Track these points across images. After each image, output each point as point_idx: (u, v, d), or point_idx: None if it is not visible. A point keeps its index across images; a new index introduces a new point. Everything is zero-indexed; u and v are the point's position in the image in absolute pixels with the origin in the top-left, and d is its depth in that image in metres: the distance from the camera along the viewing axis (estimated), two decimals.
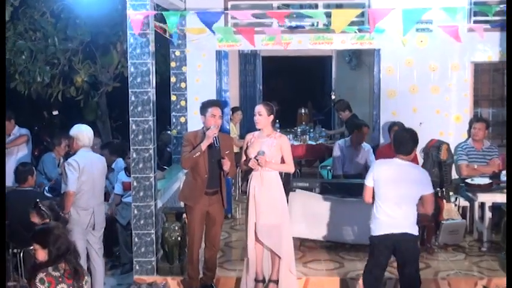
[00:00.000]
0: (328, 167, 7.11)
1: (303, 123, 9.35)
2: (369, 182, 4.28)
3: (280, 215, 4.64)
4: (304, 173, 8.96)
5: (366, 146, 6.54)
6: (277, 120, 9.00)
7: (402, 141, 4.24)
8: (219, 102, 4.83)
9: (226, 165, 4.59)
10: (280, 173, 4.81)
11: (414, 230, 4.17)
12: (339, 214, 5.49)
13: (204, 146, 4.54)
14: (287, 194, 5.21)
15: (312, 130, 8.94)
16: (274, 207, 4.62)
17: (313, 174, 8.84)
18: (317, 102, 12.83)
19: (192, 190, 4.66)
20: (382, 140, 6.71)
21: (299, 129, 8.87)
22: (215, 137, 4.56)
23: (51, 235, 3.21)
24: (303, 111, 9.83)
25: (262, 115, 4.65)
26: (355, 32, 6.26)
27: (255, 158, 4.57)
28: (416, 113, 6.60)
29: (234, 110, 8.16)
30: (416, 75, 6.63)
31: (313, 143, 8.29)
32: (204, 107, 4.66)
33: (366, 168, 6.50)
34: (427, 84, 6.61)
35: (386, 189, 4.17)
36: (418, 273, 4.20)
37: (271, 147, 4.64)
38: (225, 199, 4.72)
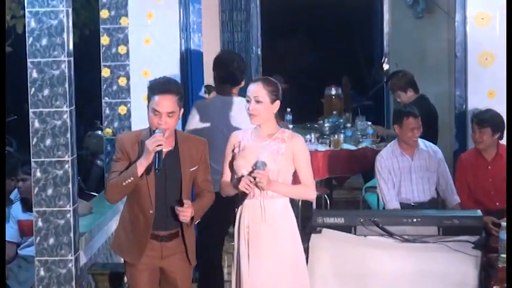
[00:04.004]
0: (379, 190, 7.15)
1: (334, 113, 9.36)
2: None
3: (294, 273, 4.69)
4: (336, 200, 9.02)
5: (432, 148, 6.56)
6: (289, 109, 9.09)
7: (234, 66, 5.38)
8: (175, 85, 4.69)
9: (185, 214, 4.55)
10: (293, 201, 4.87)
11: None
12: (401, 270, 5.50)
13: (141, 166, 4.52)
14: (306, 237, 5.25)
15: (349, 125, 8.98)
16: (283, 260, 4.66)
17: (352, 202, 8.89)
18: (358, 77, 12.88)
19: (129, 235, 4.70)
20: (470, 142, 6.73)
21: (327, 124, 8.90)
22: (158, 153, 4.49)
23: None
24: (333, 92, 9.83)
25: (262, 102, 4.69)
26: None
27: (249, 175, 4.61)
28: None
29: (207, 89, 8.13)
30: None
31: (353, 148, 8.33)
32: (149, 91, 4.64)
33: (442, 189, 6.55)
34: None
35: None
36: None
37: (277, 156, 4.67)
38: (192, 247, 4.75)
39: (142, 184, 4.58)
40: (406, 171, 6.47)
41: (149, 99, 4.63)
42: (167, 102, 4.55)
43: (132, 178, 4.51)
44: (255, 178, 4.58)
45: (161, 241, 4.67)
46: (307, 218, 5.94)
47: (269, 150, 4.68)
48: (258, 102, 4.69)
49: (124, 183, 4.52)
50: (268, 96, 4.70)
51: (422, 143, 6.55)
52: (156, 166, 4.50)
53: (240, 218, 4.76)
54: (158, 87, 4.60)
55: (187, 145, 4.71)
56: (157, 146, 4.45)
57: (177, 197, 4.66)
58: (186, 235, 4.73)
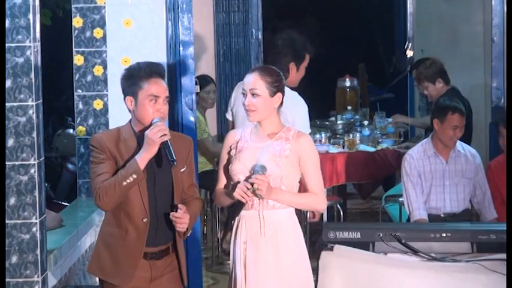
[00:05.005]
0: (402, 199, 7.14)
1: (349, 108, 9.47)
2: None
3: None
4: (352, 212, 9.09)
5: (470, 152, 6.58)
6: None
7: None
8: (162, 67, 4.78)
9: (182, 221, 4.58)
10: (300, 213, 4.84)
11: None
12: None
13: (142, 160, 4.55)
14: (316, 255, 5.21)
15: (366, 122, 9.07)
16: (286, 283, 4.69)
17: (369, 214, 9.00)
18: (377, 65, 12.88)
19: (115, 253, 4.70)
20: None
21: (340, 122, 9.02)
22: (165, 144, 4.54)
23: None
24: (347, 83, 9.91)
25: (260, 95, 4.70)
26: None
27: (246, 181, 4.61)
28: None
29: (201, 82, 8.18)
30: None
31: (371, 150, 8.41)
32: (133, 79, 4.66)
33: (478, 200, 6.51)
34: None
35: None
36: None
37: (280, 159, 4.69)
38: (184, 266, 4.76)
39: (134, 190, 4.59)
40: (438, 175, 6.46)
41: (132, 88, 4.66)
42: (161, 87, 4.63)
43: (134, 176, 4.51)
44: (252, 184, 4.56)
45: (150, 259, 4.69)
46: (317, 233, 5.91)
47: (270, 151, 4.70)
48: (254, 95, 4.70)
49: (124, 183, 4.52)
50: (267, 88, 4.71)
51: (460, 145, 6.52)
52: (170, 158, 4.53)
53: (236, 233, 4.76)
54: (149, 70, 4.65)
55: (174, 143, 4.68)
56: (162, 135, 4.49)
57: (168, 204, 4.68)
58: (179, 250, 4.75)
